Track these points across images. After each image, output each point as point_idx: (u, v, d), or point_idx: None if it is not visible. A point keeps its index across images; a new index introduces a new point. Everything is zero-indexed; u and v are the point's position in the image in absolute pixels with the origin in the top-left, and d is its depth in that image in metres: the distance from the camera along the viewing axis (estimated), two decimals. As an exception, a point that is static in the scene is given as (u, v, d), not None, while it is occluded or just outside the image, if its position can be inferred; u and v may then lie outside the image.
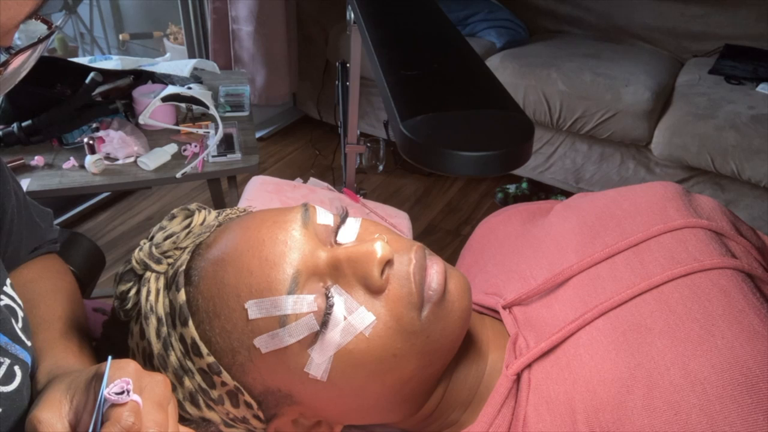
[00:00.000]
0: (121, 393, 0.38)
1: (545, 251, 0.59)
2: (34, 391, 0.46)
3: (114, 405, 0.37)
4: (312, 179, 1.22)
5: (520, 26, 2.45)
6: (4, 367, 0.43)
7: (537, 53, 2.28)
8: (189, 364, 0.46)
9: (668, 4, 2.35)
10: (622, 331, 0.47)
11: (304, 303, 0.43)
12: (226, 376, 0.45)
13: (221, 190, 1.60)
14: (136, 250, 0.49)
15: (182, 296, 0.46)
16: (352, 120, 1.14)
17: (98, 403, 0.38)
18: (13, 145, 1.35)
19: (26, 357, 0.46)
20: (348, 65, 1.06)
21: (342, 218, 0.50)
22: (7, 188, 0.58)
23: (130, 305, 0.49)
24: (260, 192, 1.10)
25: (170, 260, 0.49)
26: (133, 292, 0.49)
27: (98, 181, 1.30)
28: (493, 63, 2.23)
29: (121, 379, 0.38)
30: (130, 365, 0.41)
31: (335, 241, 0.48)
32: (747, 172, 1.85)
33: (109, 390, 0.38)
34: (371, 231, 0.49)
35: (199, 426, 0.48)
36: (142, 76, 1.51)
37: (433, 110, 0.44)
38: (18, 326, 0.46)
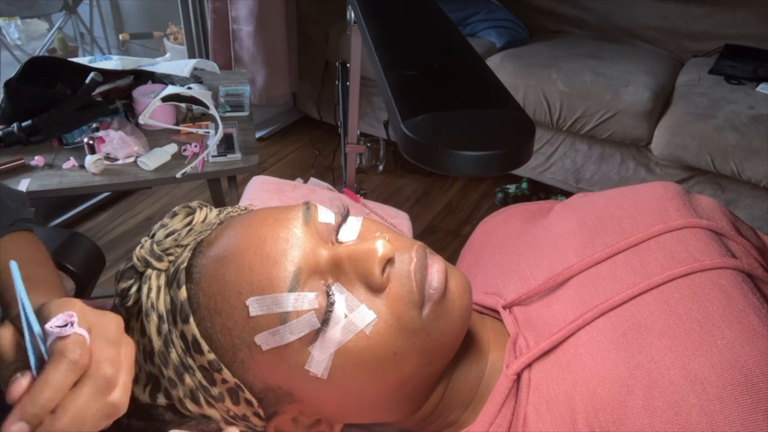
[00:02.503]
0: (64, 326, 0.36)
1: (545, 251, 0.59)
2: None
3: (58, 339, 0.35)
4: (312, 179, 1.22)
5: (520, 26, 2.45)
6: None
7: (537, 53, 2.28)
8: (190, 361, 0.46)
9: (668, 4, 2.35)
10: (622, 331, 0.47)
11: (305, 300, 0.43)
12: (226, 373, 0.45)
13: (221, 190, 1.60)
14: (138, 248, 0.49)
15: (183, 293, 0.46)
16: (352, 120, 1.14)
17: (32, 335, 0.36)
18: (13, 145, 1.35)
19: None
20: (348, 65, 1.06)
21: (343, 217, 0.50)
22: None
23: (131, 302, 0.49)
24: (260, 192, 1.10)
25: (171, 258, 0.49)
26: (134, 289, 0.49)
27: (98, 181, 1.30)
28: (493, 63, 2.23)
29: (64, 312, 0.37)
30: (76, 303, 0.40)
31: (336, 240, 0.48)
32: (747, 172, 1.85)
33: (51, 323, 0.36)
34: (372, 230, 0.49)
35: (199, 423, 0.48)
36: (142, 76, 1.51)
37: (434, 110, 0.44)
38: None
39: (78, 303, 0.40)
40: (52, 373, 0.35)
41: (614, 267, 0.52)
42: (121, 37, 2.81)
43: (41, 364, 0.36)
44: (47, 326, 0.36)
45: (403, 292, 0.45)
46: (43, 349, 0.37)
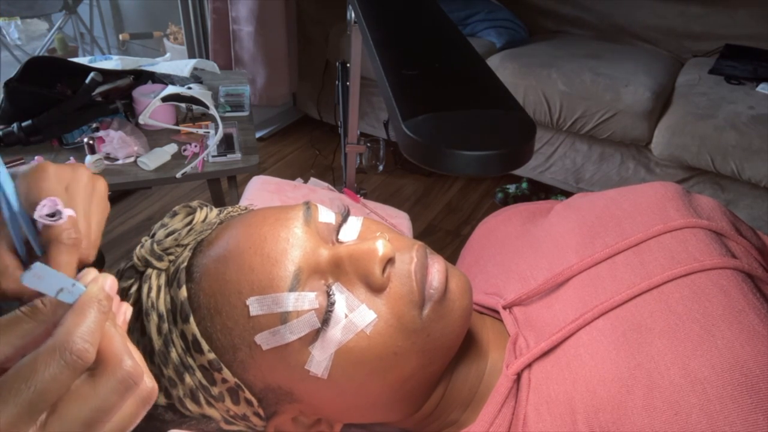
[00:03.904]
0: (53, 215, 0.36)
1: (545, 251, 0.59)
2: None
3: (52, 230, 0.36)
4: (312, 179, 1.22)
5: (520, 26, 2.45)
6: None
7: (537, 53, 2.28)
8: (190, 360, 0.46)
9: (668, 4, 2.35)
10: (622, 331, 0.47)
11: (306, 300, 0.43)
12: (226, 373, 0.45)
13: (221, 190, 1.60)
14: (138, 247, 0.49)
15: (183, 293, 0.46)
16: (352, 120, 1.14)
17: (11, 213, 0.36)
18: (13, 145, 1.35)
19: None
20: (348, 65, 1.06)
21: (344, 217, 0.50)
22: None
23: (131, 302, 0.48)
24: (261, 192, 1.10)
25: (171, 257, 0.49)
26: (134, 288, 0.49)
27: (98, 181, 1.30)
28: (493, 63, 2.23)
29: (48, 198, 0.37)
30: (49, 168, 0.39)
31: (337, 239, 0.48)
32: (747, 172, 1.85)
33: (39, 213, 0.36)
34: (373, 230, 0.49)
35: (199, 423, 0.48)
36: (142, 76, 1.51)
37: (434, 110, 0.44)
38: None
39: (51, 167, 0.39)
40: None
41: (614, 267, 0.52)
42: (121, 37, 2.82)
43: (27, 247, 0.36)
44: (36, 217, 0.36)
45: (403, 291, 0.45)
46: (26, 229, 0.37)
